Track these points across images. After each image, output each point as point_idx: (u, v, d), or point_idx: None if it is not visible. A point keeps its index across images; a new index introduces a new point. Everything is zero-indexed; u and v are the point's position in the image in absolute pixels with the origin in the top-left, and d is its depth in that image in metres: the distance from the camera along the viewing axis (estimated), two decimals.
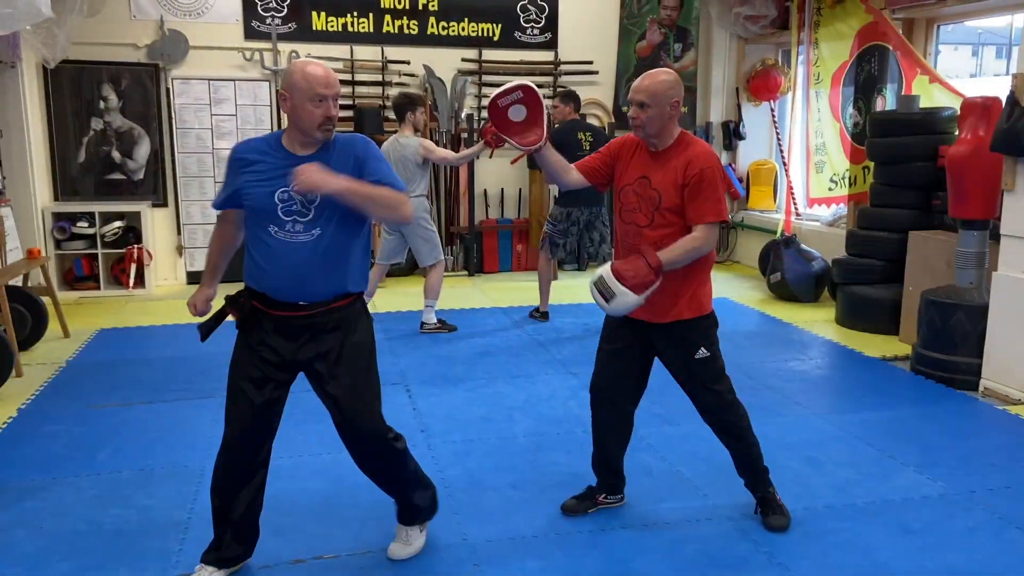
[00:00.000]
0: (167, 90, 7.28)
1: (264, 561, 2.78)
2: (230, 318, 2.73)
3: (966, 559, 2.81)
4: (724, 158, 8.58)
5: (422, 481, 2.84)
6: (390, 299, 6.84)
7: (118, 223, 7.08)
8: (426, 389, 4.56)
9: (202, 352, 5.27)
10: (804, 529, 3.01)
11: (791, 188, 7.72)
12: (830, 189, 7.12)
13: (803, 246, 6.82)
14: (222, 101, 7.42)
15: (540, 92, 2.82)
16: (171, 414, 4.18)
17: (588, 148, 5.71)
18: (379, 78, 7.69)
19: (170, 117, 7.33)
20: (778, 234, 7.28)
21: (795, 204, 7.68)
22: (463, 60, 7.86)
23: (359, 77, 7.65)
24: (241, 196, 2.57)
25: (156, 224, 7.41)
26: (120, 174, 7.34)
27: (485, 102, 7.94)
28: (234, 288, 2.72)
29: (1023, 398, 4.30)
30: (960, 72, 10.08)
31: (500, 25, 7.91)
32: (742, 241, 8.49)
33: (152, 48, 7.17)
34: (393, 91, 7.69)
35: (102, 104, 7.19)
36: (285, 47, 7.46)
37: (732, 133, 8.44)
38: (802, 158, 7.52)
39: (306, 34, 7.50)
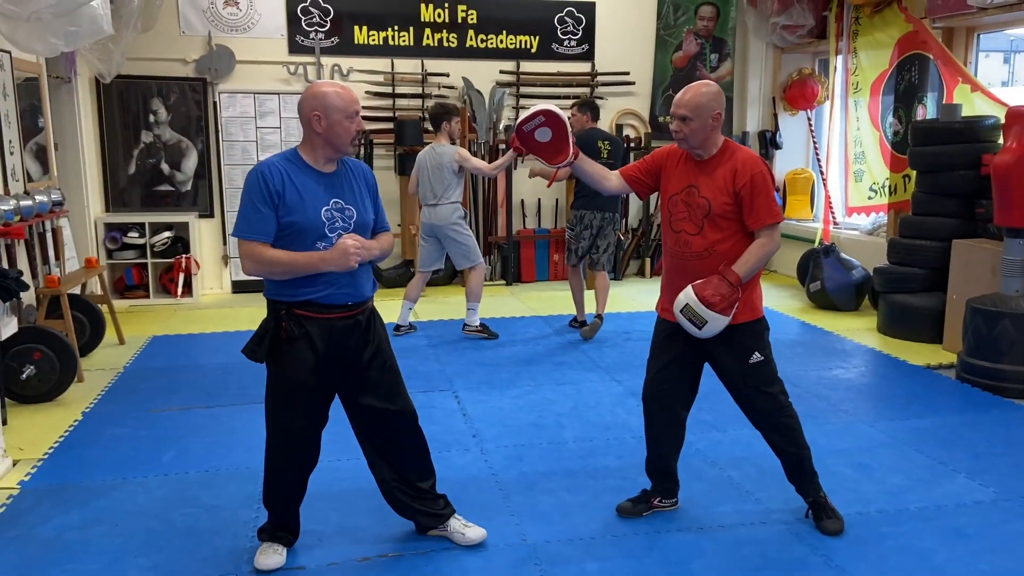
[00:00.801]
0: (214, 104, 7.47)
1: (331, 559, 2.87)
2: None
3: (1022, 563, 2.83)
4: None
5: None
6: (431, 307, 6.94)
7: (167, 233, 7.27)
8: (474, 395, 4.64)
9: (252, 360, 5.43)
10: (858, 534, 3.05)
11: (829, 197, 7.73)
12: (869, 198, 7.12)
13: (843, 255, 6.83)
14: (267, 114, 7.59)
15: (563, 114, 2.94)
16: (229, 418, 4.30)
17: (606, 156, 5.80)
18: (419, 90, 7.82)
19: (217, 130, 7.52)
20: (817, 243, 7.29)
21: (833, 213, 7.69)
22: (501, 72, 7.97)
23: (399, 90, 7.79)
24: (283, 220, 2.64)
25: (203, 234, 7.59)
26: (168, 185, 7.53)
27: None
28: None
29: None
30: (992, 80, 9.99)
31: (538, 37, 8.02)
32: (779, 250, 8.47)
33: (200, 63, 7.36)
34: (432, 103, 7.83)
35: (152, 118, 7.39)
36: (328, 61, 7.62)
37: (768, 143, 8.47)
38: (840, 167, 7.53)
39: (348, 48, 7.66)
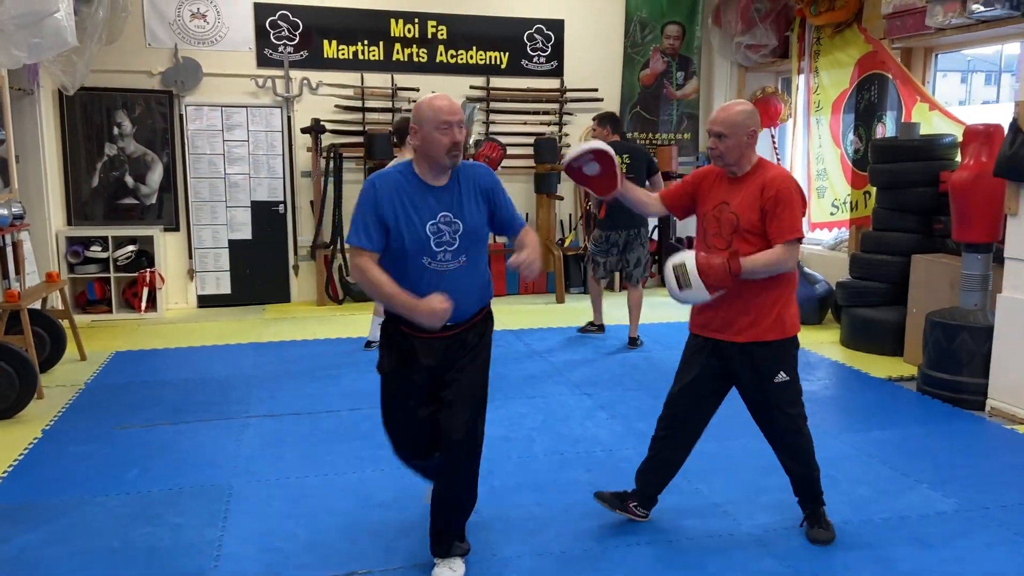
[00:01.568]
0: (180, 116, 7.40)
1: None
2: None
3: (985, 572, 2.89)
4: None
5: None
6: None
7: (131, 247, 7.17)
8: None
9: (218, 375, 5.40)
10: (826, 545, 3.08)
11: None
12: (832, 214, 7.26)
13: (807, 269, 6.94)
14: (235, 127, 7.54)
15: (610, 149, 3.01)
16: (194, 435, 4.23)
17: (626, 170, 5.85)
18: (389, 105, 7.82)
19: (183, 143, 7.44)
20: None
21: None
22: (471, 87, 8.01)
23: (369, 104, 7.79)
24: (391, 233, 2.64)
25: (168, 248, 7.49)
26: (132, 199, 7.43)
27: (493, 128, 8.10)
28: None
29: None
30: (950, 98, 10.28)
31: (507, 54, 8.08)
32: None
33: (166, 75, 7.29)
34: (399, 117, 7.84)
35: (116, 130, 7.30)
36: (297, 74, 7.60)
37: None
38: (803, 183, 7.66)
39: (317, 62, 7.64)
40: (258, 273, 7.74)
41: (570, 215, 8.47)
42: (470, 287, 2.74)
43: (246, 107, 7.54)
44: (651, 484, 3.22)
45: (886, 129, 6.55)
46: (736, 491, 3.53)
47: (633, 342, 6.13)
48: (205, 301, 7.63)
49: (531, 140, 8.01)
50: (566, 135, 8.33)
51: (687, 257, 2.86)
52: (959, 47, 6.50)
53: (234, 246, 7.67)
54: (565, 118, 8.32)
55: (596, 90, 8.33)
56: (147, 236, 7.25)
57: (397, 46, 7.80)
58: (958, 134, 5.45)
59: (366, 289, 2.73)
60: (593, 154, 2.99)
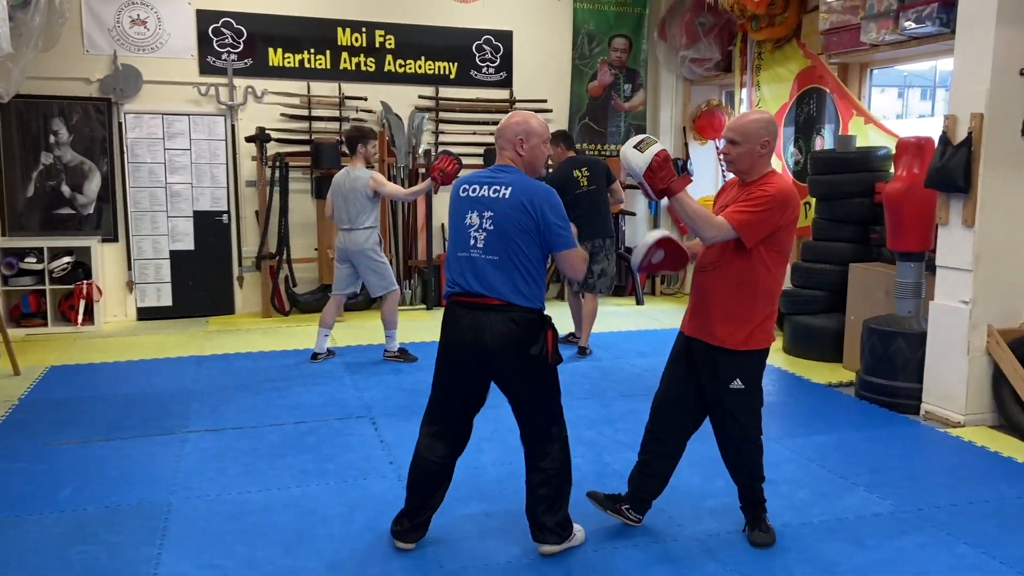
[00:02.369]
0: (119, 124, 7.23)
1: None
2: None
3: (919, 573, 2.97)
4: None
5: None
6: (348, 332, 6.85)
7: (67, 258, 6.97)
8: (392, 421, 4.59)
9: (158, 390, 5.28)
10: (767, 548, 3.14)
11: None
12: None
13: None
14: (176, 136, 7.39)
15: (670, 233, 3.09)
16: (131, 451, 4.12)
17: (585, 183, 5.87)
18: (336, 113, 7.76)
19: (122, 151, 7.27)
20: None
21: None
22: (420, 97, 8.00)
23: (316, 112, 7.71)
24: None
25: (106, 259, 7.29)
26: (69, 208, 7.22)
27: (443, 138, 8.09)
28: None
29: (963, 421, 4.54)
30: (887, 113, 10.63)
31: (456, 64, 8.09)
32: (692, 274, 8.73)
33: (104, 82, 7.12)
34: (349, 126, 7.78)
35: (52, 138, 7.10)
36: (241, 82, 7.49)
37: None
38: None
39: (262, 70, 7.54)
40: (201, 285, 7.58)
41: None
42: None
43: (188, 115, 7.40)
44: (642, 488, 3.25)
45: (824, 142, 6.73)
46: (680, 497, 3.56)
47: (583, 351, 6.17)
48: (145, 314, 7.45)
49: (481, 150, 8.03)
50: None
51: (659, 144, 2.83)
52: (893, 63, 6.71)
53: (176, 257, 7.51)
54: (568, 131, 8.33)
55: (545, 101, 8.39)
56: (84, 247, 7.05)
57: (345, 55, 7.75)
58: (892, 146, 5.63)
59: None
60: (657, 246, 3.03)
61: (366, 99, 7.81)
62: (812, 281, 6.16)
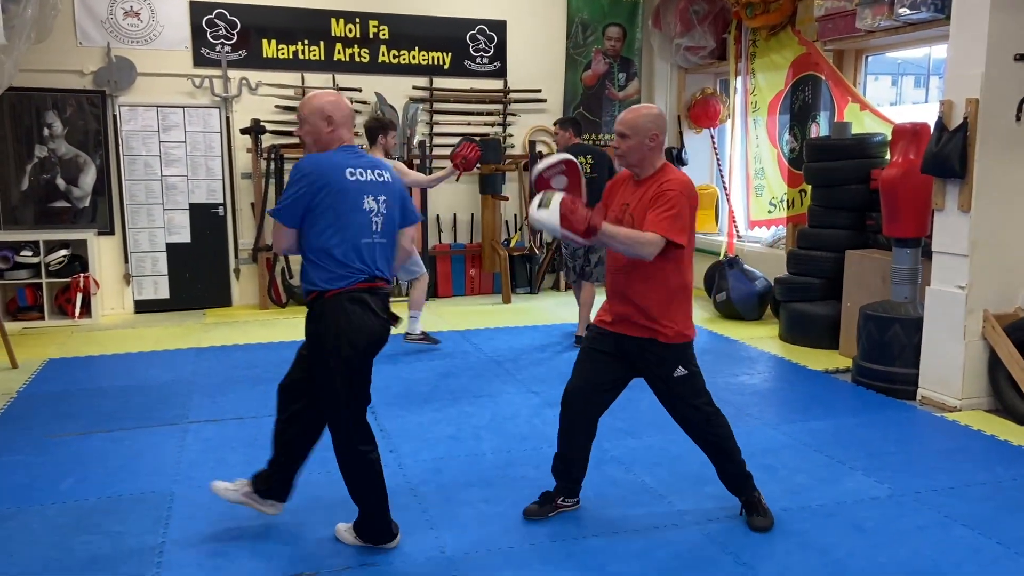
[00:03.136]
0: (114, 117, 7.20)
1: None
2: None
3: (918, 555, 3.00)
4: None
5: None
6: None
7: (63, 252, 6.95)
8: (392, 411, 4.60)
9: (156, 381, 5.29)
10: (766, 532, 3.16)
11: (732, 211, 8.04)
12: (769, 212, 7.44)
13: (746, 266, 7.10)
14: (171, 128, 7.37)
15: (578, 163, 3.06)
16: (132, 442, 4.13)
17: (589, 170, 5.89)
18: None
19: (117, 144, 7.25)
20: (722, 256, 7.55)
21: (736, 226, 7.99)
22: (414, 88, 7.98)
23: None
24: None
25: (102, 252, 7.28)
26: (64, 202, 7.20)
27: (437, 129, 8.09)
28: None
29: (959, 405, 4.57)
30: (881, 100, 10.65)
31: (450, 54, 8.07)
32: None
33: (98, 75, 7.09)
34: (368, 117, 7.77)
35: (46, 131, 7.07)
36: (235, 74, 7.47)
37: (675, 159, 8.73)
38: (742, 183, 7.84)
39: (256, 61, 7.52)
40: (198, 277, 7.58)
41: (515, 215, 8.50)
42: None
43: (183, 107, 7.38)
44: (569, 477, 3.27)
45: (820, 129, 6.74)
46: (680, 482, 3.59)
47: (579, 340, 6.18)
48: (142, 306, 7.44)
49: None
50: (510, 135, 8.36)
51: (559, 194, 2.83)
52: (888, 49, 6.72)
53: (172, 250, 7.50)
54: (509, 119, 8.35)
55: (539, 91, 8.39)
56: (80, 240, 7.04)
57: (338, 46, 7.73)
58: (888, 133, 5.65)
59: None
60: (565, 165, 3.01)
61: (360, 90, 7.79)
62: (808, 268, 6.18)
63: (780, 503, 3.38)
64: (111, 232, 7.34)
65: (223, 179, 7.57)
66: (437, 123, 8.10)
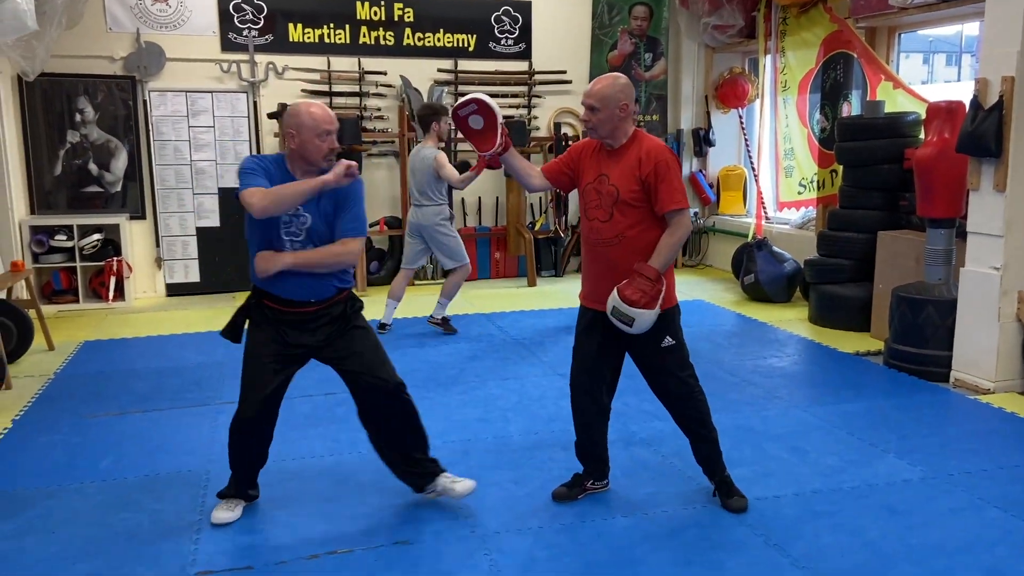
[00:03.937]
0: (144, 102, 7.27)
1: (280, 557, 2.84)
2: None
3: (951, 537, 2.97)
4: (694, 164, 8.81)
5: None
6: (372, 307, 6.88)
7: (96, 236, 7.05)
8: (419, 393, 4.57)
9: (189, 363, 5.37)
10: (795, 513, 3.16)
11: (761, 193, 7.96)
12: (799, 193, 7.35)
13: (775, 248, 7.03)
14: (200, 113, 7.43)
15: (494, 103, 3.03)
16: (167, 422, 4.20)
17: None
18: (356, 89, 7.76)
19: (147, 129, 7.32)
20: (750, 237, 7.49)
21: (765, 208, 7.91)
22: (439, 70, 7.97)
23: (336, 88, 7.72)
24: None
25: (134, 237, 7.38)
26: (97, 187, 7.30)
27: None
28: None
29: (992, 388, 4.51)
30: (912, 79, 10.48)
31: (475, 36, 8.04)
32: (714, 245, 8.70)
33: (128, 60, 7.16)
34: (370, 101, 7.80)
35: (78, 117, 7.16)
36: (262, 59, 7.50)
37: (702, 140, 8.67)
38: (771, 163, 7.75)
39: (283, 46, 7.55)
40: (227, 261, 7.66)
41: (540, 198, 8.48)
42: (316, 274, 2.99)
43: (211, 92, 7.43)
44: (594, 458, 3.29)
45: (851, 108, 6.64)
46: None
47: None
48: (174, 290, 7.55)
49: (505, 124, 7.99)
50: (535, 118, 8.33)
51: (613, 300, 2.90)
52: (921, 26, 6.60)
53: (202, 234, 7.58)
54: (534, 100, 8.32)
55: (564, 72, 8.33)
56: (113, 224, 7.14)
57: (364, 29, 7.73)
58: (922, 112, 5.55)
59: (272, 202, 2.84)
60: (477, 104, 2.99)
61: (385, 73, 7.79)
62: (839, 250, 6.11)
63: (811, 485, 3.37)
64: (142, 216, 7.43)
65: None
66: None
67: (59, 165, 7.19)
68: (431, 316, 6.08)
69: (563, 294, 7.39)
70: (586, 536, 2.99)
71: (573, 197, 8.41)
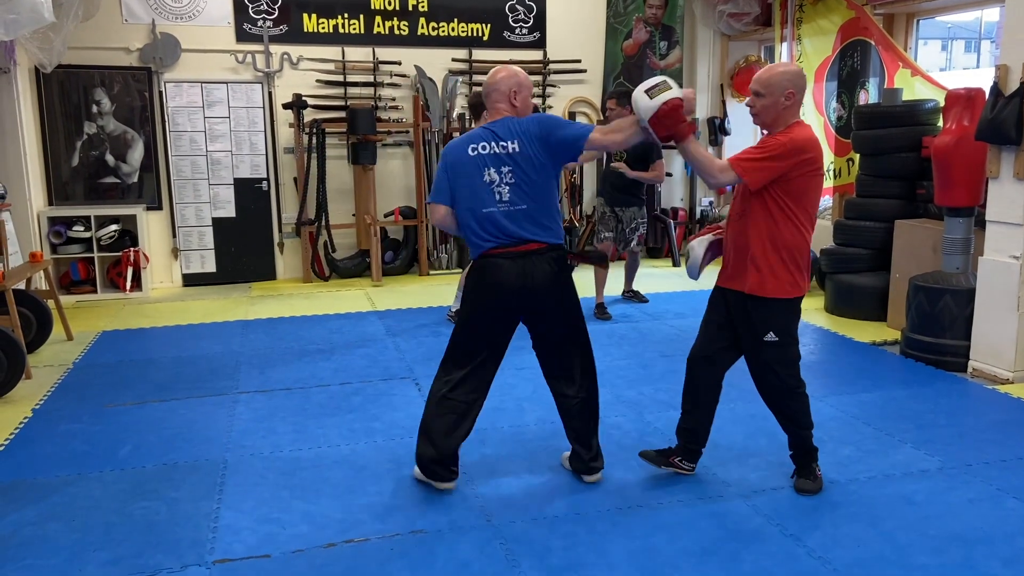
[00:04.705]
0: (160, 93, 7.31)
1: (297, 546, 2.86)
2: None
3: (969, 528, 2.96)
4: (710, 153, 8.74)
5: None
6: (389, 297, 6.92)
7: (114, 226, 7.10)
8: None
9: (207, 353, 5.41)
10: (812, 504, 3.15)
11: None
12: None
13: None
14: (215, 104, 7.46)
15: (711, 238, 3.22)
16: (186, 411, 4.24)
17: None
18: (371, 79, 7.76)
19: (163, 120, 7.36)
20: None
21: None
22: (453, 60, 7.95)
23: (350, 78, 7.72)
24: None
25: (151, 227, 7.43)
26: (114, 178, 7.35)
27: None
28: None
29: (1011, 378, 4.48)
30: (931, 66, 10.36)
31: (489, 25, 8.02)
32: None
33: (144, 52, 7.19)
34: (385, 91, 7.80)
35: (95, 108, 7.20)
36: (277, 49, 7.51)
37: (718, 129, 8.61)
38: None
39: (298, 36, 7.55)
40: (243, 251, 7.70)
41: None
42: None
43: (226, 83, 7.46)
44: (689, 439, 3.32)
45: (869, 96, 6.58)
46: (724, 454, 3.59)
47: (637, 295, 6.53)
48: (190, 280, 7.60)
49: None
50: (550, 107, 8.30)
51: (676, 89, 2.92)
52: (940, 12, 6.52)
53: (218, 224, 7.62)
54: (548, 90, 8.29)
55: (579, 61, 8.30)
56: (130, 215, 7.19)
57: (378, 19, 7.72)
58: (940, 99, 5.49)
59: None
60: (708, 249, 3.17)
61: (400, 63, 7.79)
62: (855, 239, 6.07)
63: (828, 475, 3.36)
64: (159, 207, 7.48)
65: (266, 154, 7.65)
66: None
67: (76, 156, 7.24)
68: (450, 312, 6.08)
69: (577, 283, 7.35)
70: (602, 526, 3.00)
71: (587, 186, 8.39)
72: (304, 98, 7.45)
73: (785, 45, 7.55)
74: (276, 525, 3.01)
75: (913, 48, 6.58)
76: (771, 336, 3.04)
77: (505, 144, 3.05)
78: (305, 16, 7.55)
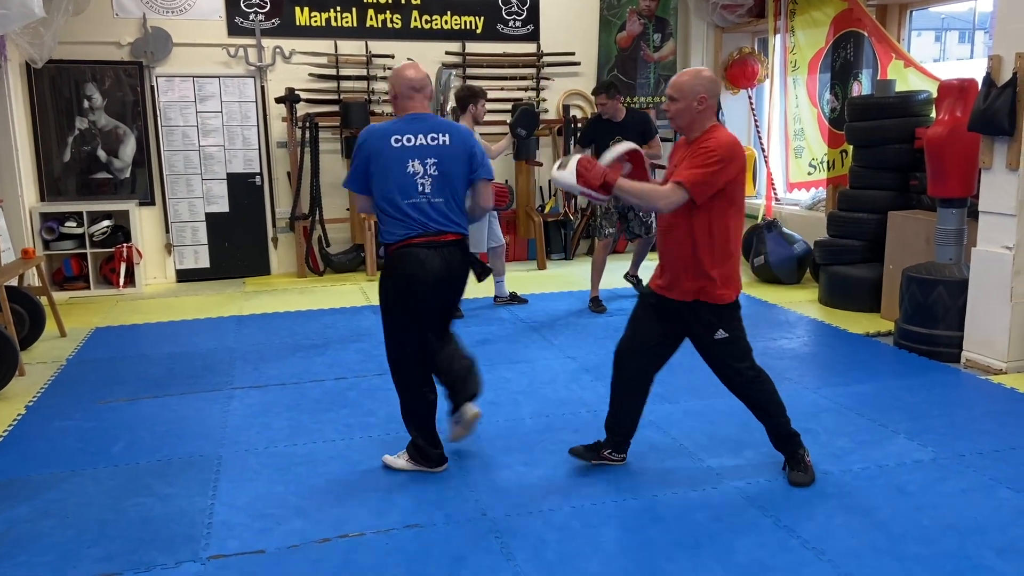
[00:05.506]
0: (151, 88, 7.27)
1: (292, 541, 2.86)
2: None
3: (962, 518, 2.97)
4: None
5: None
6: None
7: (106, 222, 7.08)
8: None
9: (200, 348, 5.40)
10: (806, 495, 3.16)
11: (770, 174, 7.90)
12: (809, 173, 7.30)
13: (785, 229, 7.00)
14: (207, 98, 7.43)
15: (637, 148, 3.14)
16: (179, 407, 4.23)
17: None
18: (363, 72, 7.73)
19: (155, 115, 7.32)
20: (760, 219, 7.45)
21: (774, 189, 7.86)
22: (447, 53, 7.93)
23: (343, 72, 7.69)
24: None
25: (144, 223, 7.40)
26: (106, 173, 7.32)
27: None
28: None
29: (1004, 368, 4.49)
30: (925, 56, 10.37)
31: (483, 18, 7.99)
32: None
33: (135, 46, 7.15)
34: (378, 85, 7.77)
35: (86, 103, 7.17)
36: (269, 43, 7.48)
37: None
38: (781, 144, 7.70)
39: (290, 29, 7.52)
40: (237, 246, 7.68)
41: (549, 181, 8.45)
42: None
43: (218, 77, 7.42)
44: (617, 431, 3.37)
45: (862, 87, 6.58)
46: (718, 446, 3.60)
47: (639, 283, 6.55)
48: (184, 275, 7.58)
49: (508, 106, 7.95)
50: (544, 100, 8.29)
51: (577, 155, 3.00)
52: (933, 3, 6.52)
53: (211, 219, 7.60)
54: (542, 83, 8.27)
55: (573, 54, 8.28)
56: (122, 211, 7.16)
57: (371, 12, 7.69)
58: (933, 90, 5.49)
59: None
60: (627, 155, 3.08)
61: (393, 56, 7.76)
62: (849, 231, 6.07)
63: (822, 466, 3.37)
64: (152, 202, 7.45)
65: (259, 148, 7.63)
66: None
67: (68, 152, 7.20)
68: (497, 296, 6.35)
69: (573, 277, 7.38)
70: (597, 519, 3.00)
71: None
72: (297, 92, 7.42)
73: (778, 37, 7.55)
74: (270, 520, 3.00)
75: (906, 39, 6.58)
76: (721, 333, 3.10)
77: (436, 136, 3.19)
78: (297, 9, 7.51)
